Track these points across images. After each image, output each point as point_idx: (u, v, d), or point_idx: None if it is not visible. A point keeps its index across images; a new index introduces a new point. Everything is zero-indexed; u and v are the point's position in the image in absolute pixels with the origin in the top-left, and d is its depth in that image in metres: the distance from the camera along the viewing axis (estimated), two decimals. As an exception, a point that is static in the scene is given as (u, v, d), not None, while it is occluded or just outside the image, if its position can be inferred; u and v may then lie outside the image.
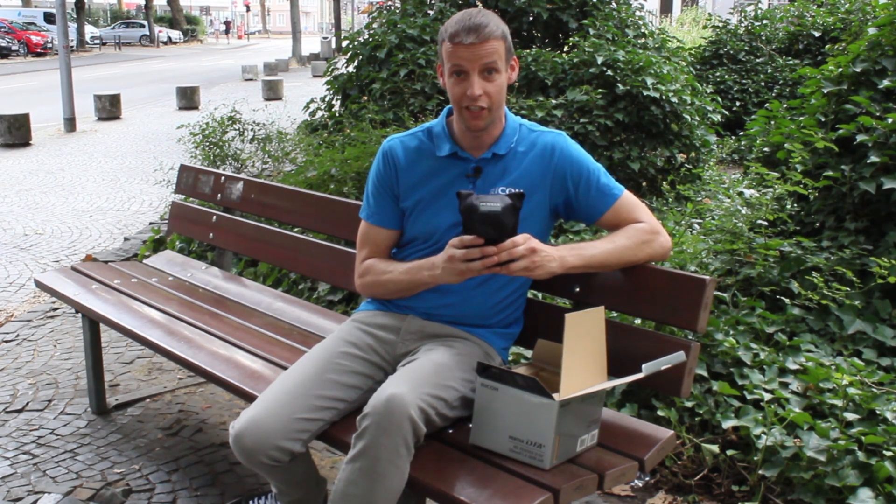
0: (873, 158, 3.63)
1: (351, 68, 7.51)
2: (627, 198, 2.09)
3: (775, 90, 9.60)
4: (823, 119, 4.17)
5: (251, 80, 22.18)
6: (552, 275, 1.91)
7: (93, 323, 3.17)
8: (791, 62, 9.96)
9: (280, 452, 1.91)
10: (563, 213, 2.11)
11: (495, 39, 1.95)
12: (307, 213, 3.03)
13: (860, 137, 3.72)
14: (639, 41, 7.47)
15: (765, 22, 11.06)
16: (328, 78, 7.73)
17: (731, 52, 10.42)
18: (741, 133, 7.89)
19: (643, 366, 1.77)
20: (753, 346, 2.97)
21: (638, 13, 8.15)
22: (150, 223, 6.43)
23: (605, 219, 2.07)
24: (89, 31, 41.32)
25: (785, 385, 2.80)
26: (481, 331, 2.12)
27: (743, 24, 11.12)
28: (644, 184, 5.70)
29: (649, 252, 2.03)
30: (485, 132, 2.05)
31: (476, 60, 1.94)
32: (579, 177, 2.06)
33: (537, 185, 2.06)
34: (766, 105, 5.13)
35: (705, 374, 2.83)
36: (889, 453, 2.40)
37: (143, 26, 47.29)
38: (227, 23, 64.65)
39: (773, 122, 4.62)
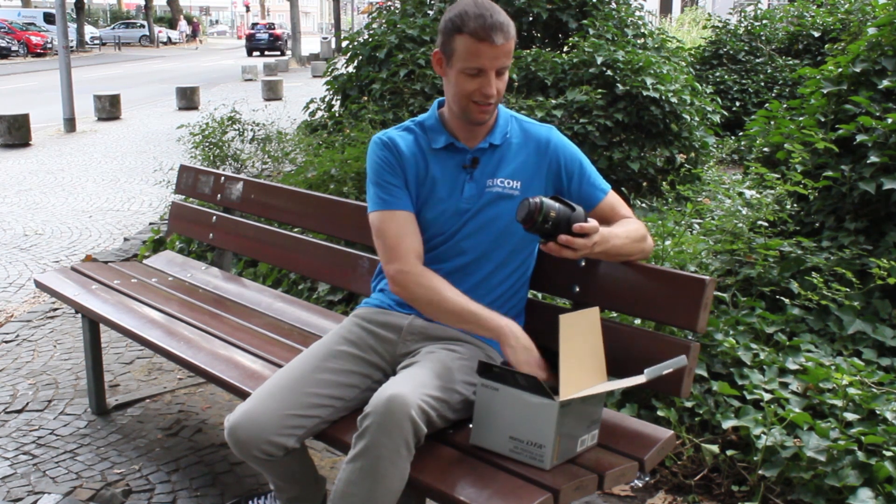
0: (873, 158, 3.63)
1: (351, 68, 7.51)
2: (614, 194, 2.15)
3: (775, 90, 9.60)
4: (823, 119, 4.16)
5: (251, 80, 22.17)
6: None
7: (93, 323, 3.17)
8: (791, 62, 9.96)
9: (273, 447, 1.92)
10: None
11: (513, 39, 1.99)
12: (307, 213, 3.03)
13: (860, 137, 3.72)
14: (638, 41, 7.47)
15: (764, 22, 11.07)
16: (328, 78, 7.72)
17: (731, 52, 10.42)
18: (741, 133, 7.88)
19: (645, 371, 1.76)
20: (753, 346, 2.97)
21: (638, 13, 8.15)
22: (150, 223, 6.43)
23: (598, 211, 2.09)
24: (89, 31, 41.31)
25: (785, 385, 2.80)
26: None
27: (743, 25, 11.12)
28: (644, 184, 5.71)
29: (644, 248, 2.08)
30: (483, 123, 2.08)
31: (496, 60, 1.96)
32: (573, 169, 2.11)
33: (534, 176, 2.10)
34: (766, 105, 5.13)
35: (705, 374, 2.83)
36: (889, 453, 2.40)
37: (142, 27, 47.34)
38: (193, 24, 55.74)
39: (772, 123, 4.61)
